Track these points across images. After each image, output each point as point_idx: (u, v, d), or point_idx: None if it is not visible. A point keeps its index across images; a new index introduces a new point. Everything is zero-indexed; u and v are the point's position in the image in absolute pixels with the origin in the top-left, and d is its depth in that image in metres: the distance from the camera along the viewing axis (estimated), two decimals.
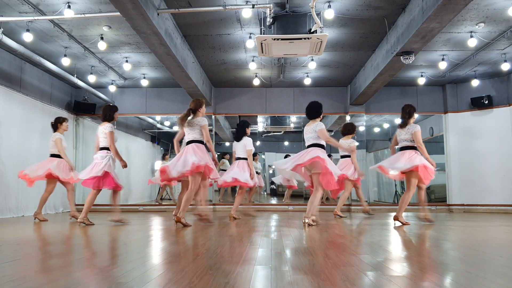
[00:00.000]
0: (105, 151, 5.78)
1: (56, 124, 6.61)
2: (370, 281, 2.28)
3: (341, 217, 7.09)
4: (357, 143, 7.21)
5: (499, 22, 6.22)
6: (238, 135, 6.81)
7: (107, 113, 5.88)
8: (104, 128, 5.78)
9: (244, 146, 6.73)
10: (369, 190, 10.05)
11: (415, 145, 5.72)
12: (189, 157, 5.30)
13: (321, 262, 2.80)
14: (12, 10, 5.76)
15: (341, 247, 3.65)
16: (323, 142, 5.53)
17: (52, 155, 6.47)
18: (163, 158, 11.55)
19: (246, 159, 6.73)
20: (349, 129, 7.21)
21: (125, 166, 5.79)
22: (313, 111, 5.67)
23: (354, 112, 9.77)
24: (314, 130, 5.50)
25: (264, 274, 2.42)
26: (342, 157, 7.21)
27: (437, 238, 4.37)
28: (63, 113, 9.26)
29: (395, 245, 3.86)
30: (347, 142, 7.08)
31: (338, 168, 7.06)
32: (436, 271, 2.59)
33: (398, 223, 5.73)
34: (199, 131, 5.46)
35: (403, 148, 5.78)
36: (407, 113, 5.85)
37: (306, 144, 5.62)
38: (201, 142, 5.48)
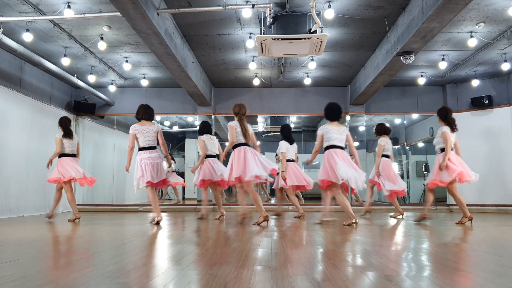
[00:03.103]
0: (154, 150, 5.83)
1: (70, 122, 6.64)
2: (370, 281, 2.27)
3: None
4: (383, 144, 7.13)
5: (499, 22, 6.22)
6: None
7: (153, 113, 5.95)
8: (157, 127, 5.88)
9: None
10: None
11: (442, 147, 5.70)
12: None
13: (321, 262, 2.80)
14: (12, 10, 5.76)
15: (341, 247, 3.65)
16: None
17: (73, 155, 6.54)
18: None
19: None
20: (385, 129, 7.13)
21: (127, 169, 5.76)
22: (339, 114, 5.68)
23: (354, 112, 9.77)
24: (346, 134, 5.58)
25: (264, 274, 2.41)
26: (386, 156, 7.06)
27: (437, 238, 4.37)
28: (63, 113, 9.26)
29: (395, 245, 3.86)
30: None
31: (387, 172, 6.95)
32: (436, 271, 2.59)
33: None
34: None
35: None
36: (440, 116, 5.81)
37: (338, 144, 5.53)
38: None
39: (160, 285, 2.18)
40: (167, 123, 12.92)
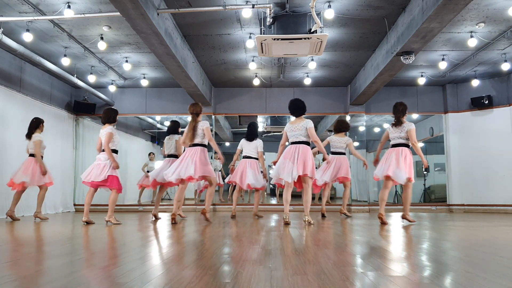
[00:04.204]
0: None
1: (38, 124, 6.65)
2: (370, 281, 2.27)
3: (347, 216, 7.11)
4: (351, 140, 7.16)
5: (499, 22, 6.22)
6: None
7: (111, 115, 5.97)
8: (105, 130, 5.85)
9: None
10: (369, 190, 10.05)
11: (408, 143, 5.70)
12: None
13: (321, 262, 2.80)
14: (12, 10, 5.76)
15: (341, 247, 3.65)
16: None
17: (32, 155, 6.56)
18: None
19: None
20: (346, 126, 7.15)
21: (116, 167, 5.82)
22: (302, 109, 5.80)
23: (354, 112, 9.76)
24: (305, 127, 5.61)
25: (264, 274, 2.41)
26: (335, 153, 7.03)
27: (437, 238, 4.37)
28: (63, 113, 9.27)
29: (395, 245, 3.86)
30: (344, 139, 7.04)
31: (332, 167, 6.97)
32: (436, 271, 2.59)
33: (406, 222, 5.76)
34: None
35: (396, 145, 5.71)
36: (400, 112, 5.76)
37: (294, 140, 5.65)
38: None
39: (160, 285, 2.18)
40: (167, 123, 12.91)
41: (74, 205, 9.59)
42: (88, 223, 5.75)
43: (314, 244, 3.79)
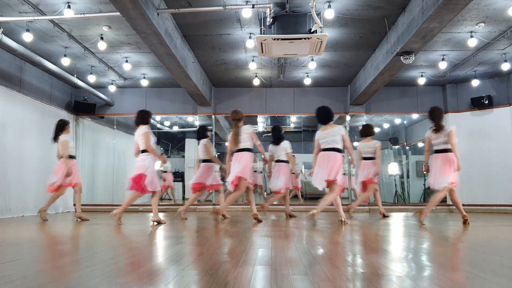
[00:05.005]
0: (145, 153, 5.82)
1: (64, 126, 6.70)
2: (370, 281, 2.27)
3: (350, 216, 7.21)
4: (379, 143, 7.18)
5: (499, 22, 6.22)
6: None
7: (144, 116, 6.06)
8: (141, 130, 5.88)
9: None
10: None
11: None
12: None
13: (321, 262, 2.80)
14: (12, 10, 5.76)
15: (341, 247, 3.65)
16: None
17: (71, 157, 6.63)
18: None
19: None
20: (371, 131, 7.21)
21: (164, 161, 6.06)
22: (330, 115, 5.82)
23: (354, 112, 9.76)
24: (340, 134, 5.66)
25: (264, 274, 2.41)
26: (365, 159, 7.13)
27: (437, 238, 4.37)
28: (63, 113, 9.26)
29: (395, 245, 3.86)
30: (371, 144, 7.08)
31: (362, 171, 7.11)
32: (436, 271, 2.59)
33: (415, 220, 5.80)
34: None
35: (440, 151, 5.65)
36: (438, 116, 5.68)
37: (326, 147, 5.69)
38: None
39: (160, 285, 2.18)
40: (167, 123, 12.92)
41: (74, 205, 9.57)
42: (158, 222, 5.83)
43: (314, 244, 3.78)
